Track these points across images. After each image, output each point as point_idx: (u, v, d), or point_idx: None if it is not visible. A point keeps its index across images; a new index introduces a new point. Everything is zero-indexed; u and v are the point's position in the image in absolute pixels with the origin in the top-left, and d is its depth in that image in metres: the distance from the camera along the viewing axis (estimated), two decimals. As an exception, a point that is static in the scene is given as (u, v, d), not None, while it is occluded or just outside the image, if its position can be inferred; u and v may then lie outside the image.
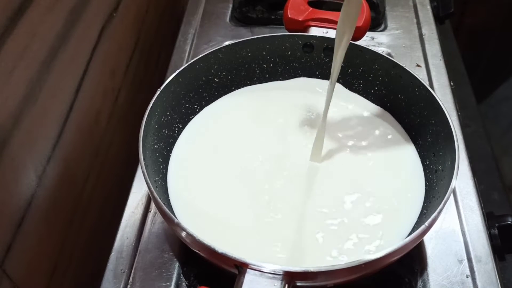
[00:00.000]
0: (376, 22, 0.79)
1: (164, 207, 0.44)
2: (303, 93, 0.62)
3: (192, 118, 0.60)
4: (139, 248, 0.53)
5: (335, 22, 0.63)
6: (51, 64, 0.50)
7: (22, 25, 0.45)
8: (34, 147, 0.49)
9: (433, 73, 0.71)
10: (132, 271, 0.51)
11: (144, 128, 0.50)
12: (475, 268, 0.51)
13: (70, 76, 0.56)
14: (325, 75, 0.63)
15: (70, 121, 0.55)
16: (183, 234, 0.43)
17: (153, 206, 0.56)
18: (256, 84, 0.63)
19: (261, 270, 0.40)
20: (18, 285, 0.46)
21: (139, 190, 0.58)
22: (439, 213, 0.44)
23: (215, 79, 0.61)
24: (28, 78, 0.47)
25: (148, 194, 0.57)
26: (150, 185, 0.46)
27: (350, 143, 0.57)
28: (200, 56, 0.58)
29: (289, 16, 0.64)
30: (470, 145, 0.63)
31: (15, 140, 0.45)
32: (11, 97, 0.44)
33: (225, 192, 0.53)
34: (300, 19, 0.64)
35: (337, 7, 0.66)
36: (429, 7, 0.83)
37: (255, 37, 0.61)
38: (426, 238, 0.53)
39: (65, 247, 0.55)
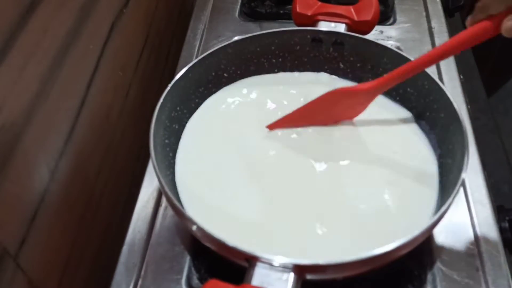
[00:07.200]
0: (385, 16, 0.79)
1: (175, 202, 0.45)
2: (311, 86, 0.62)
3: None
4: (150, 242, 0.53)
5: (343, 16, 0.63)
6: (63, 60, 0.51)
7: (34, 21, 0.45)
8: (47, 142, 0.49)
9: (442, 67, 0.71)
10: (144, 264, 0.52)
11: (154, 123, 0.50)
12: (485, 262, 0.51)
13: (81, 72, 0.56)
14: (334, 70, 0.63)
15: (82, 117, 0.56)
16: (194, 227, 0.43)
17: (164, 200, 0.57)
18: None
19: (271, 263, 0.40)
20: (31, 278, 0.46)
21: (150, 184, 0.59)
22: (448, 206, 0.44)
23: (224, 74, 0.61)
24: (40, 74, 0.47)
25: (159, 188, 0.58)
26: (161, 179, 0.46)
27: (361, 134, 0.57)
28: (210, 51, 0.58)
29: (297, 10, 0.64)
30: (480, 138, 0.63)
31: (28, 136, 0.45)
32: (23, 93, 0.45)
33: (234, 185, 0.53)
34: (309, 14, 0.64)
35: (345, 1, 0.66)
36: (438, 0, 0.83)
37: (264, 32, 0.61)
38: (435, 232, 0.53)
39: (77, 240, 0.56)
